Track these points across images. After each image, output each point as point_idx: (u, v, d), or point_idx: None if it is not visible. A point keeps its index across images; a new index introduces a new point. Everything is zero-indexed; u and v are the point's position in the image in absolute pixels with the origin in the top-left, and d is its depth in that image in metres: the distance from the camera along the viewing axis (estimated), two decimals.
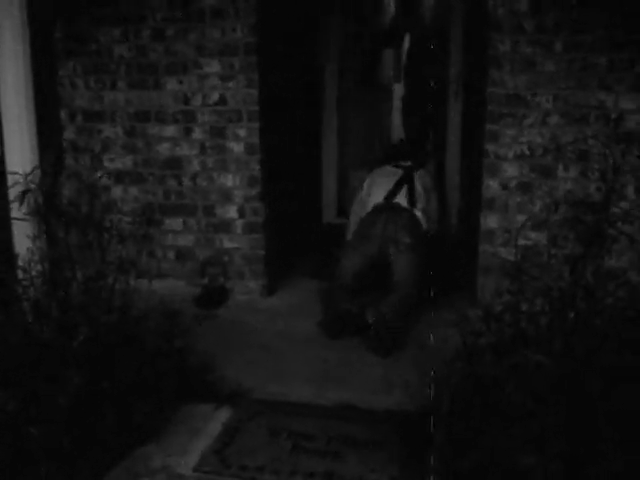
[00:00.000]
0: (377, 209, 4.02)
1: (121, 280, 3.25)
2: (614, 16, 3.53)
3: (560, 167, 3.70)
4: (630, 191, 3.67)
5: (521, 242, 3.79)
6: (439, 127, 5.00)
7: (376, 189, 4.13)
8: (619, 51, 3.56)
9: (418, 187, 4.08)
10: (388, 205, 4.02)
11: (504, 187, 3.78)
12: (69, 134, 4.29)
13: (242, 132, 4.03)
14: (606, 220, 2.71)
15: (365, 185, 4.24)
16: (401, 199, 4.02)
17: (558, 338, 2.30)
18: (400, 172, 4.15)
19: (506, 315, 2.61)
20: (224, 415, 2.96)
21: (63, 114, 4.26)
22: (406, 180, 4.10)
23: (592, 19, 3.55)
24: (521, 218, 3.78)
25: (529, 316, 2.46)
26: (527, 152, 3.72)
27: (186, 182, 4.17)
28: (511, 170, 3.76)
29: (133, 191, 4.26)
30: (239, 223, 4.14)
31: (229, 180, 4.11)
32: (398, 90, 5.85)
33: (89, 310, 2.99)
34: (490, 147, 3.75)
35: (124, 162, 4.24)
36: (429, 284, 3.89)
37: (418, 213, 4.00)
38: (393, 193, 4.04)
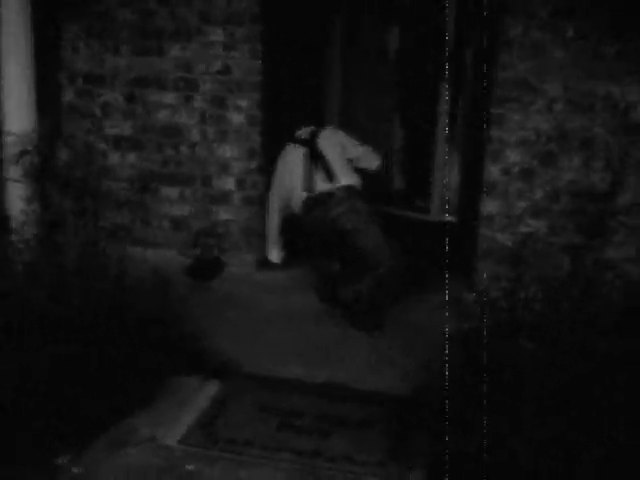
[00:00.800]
0: (305, 204, 3.68)
1: (115, 247, 3.22)
2: (626, 5, 3.48)
3: (563, 156, 3.66)
4: (633, 183, 3.64)
5: (521, 229, 3.78)
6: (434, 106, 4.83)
7: (289, 174, 3.74)
8: (629, 42, 3.51)
9: (330, 153, 3.67)
10: (311, 200, 3.66)
11: (506, 173, 3.74)
12: (68, 97, 4.22)
13: (243, 103, 3.97)
14: (610, 211, 2.68)
15: (278, 166, 3.82)
16: (320, 182, 3.63)
17: (553, 325, 2.28)
18: (301, 150, 3.71)
19: (502, 301, 2.59)
20: (213, 388, 2.94)
21: (63, 77, 4.19)
22: (313, 156, 3.67)
23: (604, 8, 3.49)
24: (522, 205, 3.75)
25: (525, 303, 2.44)
26: (532, 138, 3.67)
27: (184, 151, 4.12)
28: (514, 156, 3.71)
29: (130, 157, 4.20)
30: (237, 195, 4.10)
31: (228, 151, 4.06)
32: None
33: (83, 276, 2.96)
34: (494, 131, 3.70)
35: (123, 128, 4.18)
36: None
37: (343, 182, 3.65)
38: (309, 179, 3.64)
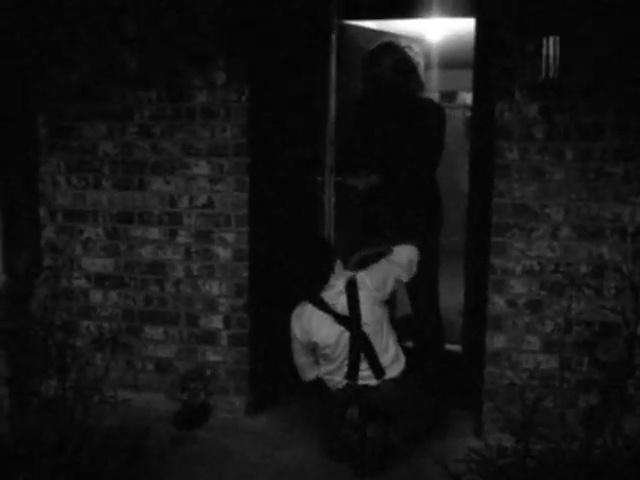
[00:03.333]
0: (343, 391, 3.34)
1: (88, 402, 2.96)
2: (629, 121, 3.29)
3: (572, 285, 3.39)
4: None
5: (530, 365, 3.48)
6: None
7: (316, 333, 3.33)
8: (635, 160, 3.30)
9: (374, 333, 3.28)
10: (352, 390, 3.32)
11: (511, 305, 3.47)
12: (48, 233, 4.02)
13: (230, 237, 3.76)
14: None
15: (297, 333, 3.40)
16: (365, 371, 3.29)
17: None
18: (338, 329, 3.29)
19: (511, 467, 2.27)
20: None
21: (43, 212, 4.02)
22: (356, 342, 3.28)
23: (605, 125, 3.30)
24: (531, 339, 3.47)
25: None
26: (537, 267, 3.42)
27: (169, 288, 3.88)
28: (519, 286, 3.45)
29: (113, 296, 3.97)
30: (224, 334, 3.82)
31: (215, 288, 3.81)
32: None
33: (42, 443, 2.67)
34: (496, 261, 3.46)
35: (105, 265, 3.97)
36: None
37: (389, 374, 3.31)
38: (354, 371, 3.28)
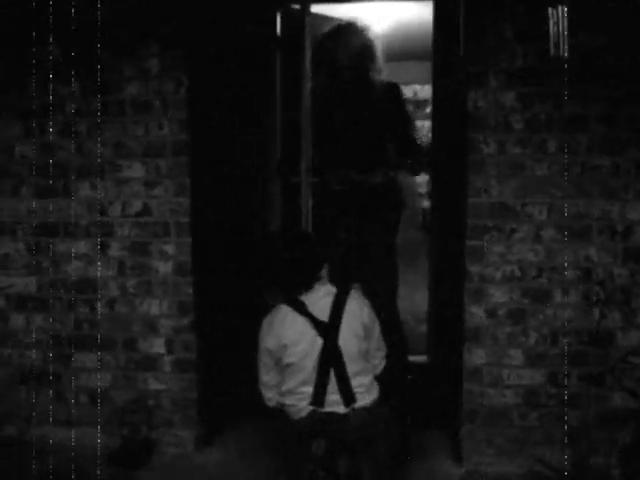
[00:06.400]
0: (305, 425, 2.81)
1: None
2: (617, 109, 2.97)
3: (558, 291, 3.06)
4: None
5: (514, 382, 3.14)
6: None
7: (286, 334, 2.81)
8: (625, 152, 2.98)
9: (350, 353, 2.78)
10: (318, 417, 2.79)
11: (491, 315, 3.11)
12: None
13: (170, 249, 3.30)
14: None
15: (267, 341, 2.83)
16: (333, 395, 2.76)
17: None
18: (316, 339, 2.78)
19: None
20: None
21: None
22: (328, 356, 2.78)
23: (591, 113, 2.98)
24: (513, 352, 3.12)
25: None
26: (518, 273, 3.07)
27: (101, 309, 3.39)
28: (499, 295, 3.09)
29: (37, 320, 3.46)
30: (167, 360, 3.35)
31: (154, 307, 3.34)
32: None
33: None
34: (472, 267, 3.09)
35: (26, 284, 3.46)
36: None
37: (361, 402, 2.79)
38: (321, 393, 2.76)
